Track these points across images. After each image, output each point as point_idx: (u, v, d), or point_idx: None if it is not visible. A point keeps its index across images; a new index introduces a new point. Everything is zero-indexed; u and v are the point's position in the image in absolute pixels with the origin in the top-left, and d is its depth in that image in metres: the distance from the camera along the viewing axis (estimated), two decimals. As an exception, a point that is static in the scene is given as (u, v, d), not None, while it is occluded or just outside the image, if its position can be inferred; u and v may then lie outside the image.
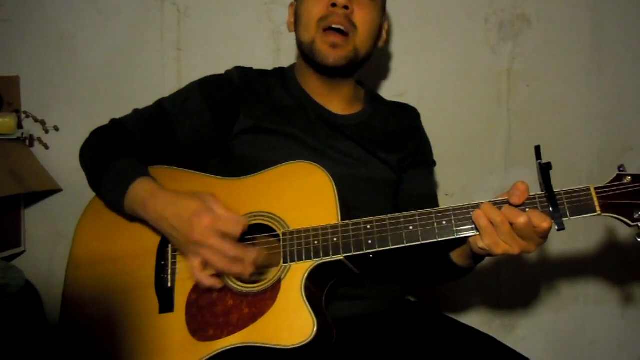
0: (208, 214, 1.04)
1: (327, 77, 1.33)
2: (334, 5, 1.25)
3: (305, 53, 1.30)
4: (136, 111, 1.34)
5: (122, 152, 1.22)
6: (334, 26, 1.25)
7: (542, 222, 0.98)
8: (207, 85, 1.34)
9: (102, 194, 1.24)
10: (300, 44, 1.32)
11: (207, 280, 1.07)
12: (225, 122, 1.30)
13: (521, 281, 1.84)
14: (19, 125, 1.65)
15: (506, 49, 1.80)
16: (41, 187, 1.65)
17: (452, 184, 1.78)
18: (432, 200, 1.43)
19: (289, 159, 1.18)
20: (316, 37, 1.26)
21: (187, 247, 1.08)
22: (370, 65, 1.40)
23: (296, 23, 1.33)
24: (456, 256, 1.19)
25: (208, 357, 1.06)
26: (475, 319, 1.84)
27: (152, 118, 1.31)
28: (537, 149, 1.04)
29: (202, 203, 1.06)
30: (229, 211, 1.06)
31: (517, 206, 1.01)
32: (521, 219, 0.98)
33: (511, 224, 0.99)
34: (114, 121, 1.32)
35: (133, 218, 1.18)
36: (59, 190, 1.70)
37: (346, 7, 1.25)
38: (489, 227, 1.00)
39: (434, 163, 1.48)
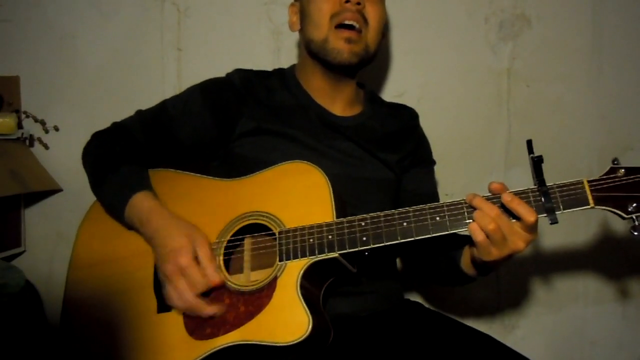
0: (187, 256, 1.07)
1: (333, 76, 1.33)
2: (347, 0, 1.25)
3: (315, 52, 1.29)
4: (139, 112, 1.35)
5: (122, 161, 1.23)
6: (347, 22, 1.25)
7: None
8: (209, 88, 1.34)
9: (103, 204, 1.26)
10: (308, 43, 1.31)
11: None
12: (227, 124, 1.30)
13: (521, 281, 1.84)
14: (19, 125, 1.65)
15: (506, 49, 1.80)
16: (41, 187, 1.65)
17: (452, 184, 1.78)
18: (434, 199, 1.43)
19: (289, 159, 1.18)
20: (329, 35, 1.26)
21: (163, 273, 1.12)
22: (370, 65, 1.40)
23: (303, 22, 1.33)
24: (464, 264, 1.20)
25: (205, 355, 1.06)
26: (475, 319, 1.83)
27: (155, 119, 1.32)
28: (529, 143, 1.05)
29: (189, 242, 1.09)
30: (210, 261, 1.09)
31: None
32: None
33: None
34: (115, 124, 1.33)
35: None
36: (59, 190, 1.71)
37: (358, 3, 1.26)
38: (485, 241, 1.02)
39: (434, 162, 1.49)
